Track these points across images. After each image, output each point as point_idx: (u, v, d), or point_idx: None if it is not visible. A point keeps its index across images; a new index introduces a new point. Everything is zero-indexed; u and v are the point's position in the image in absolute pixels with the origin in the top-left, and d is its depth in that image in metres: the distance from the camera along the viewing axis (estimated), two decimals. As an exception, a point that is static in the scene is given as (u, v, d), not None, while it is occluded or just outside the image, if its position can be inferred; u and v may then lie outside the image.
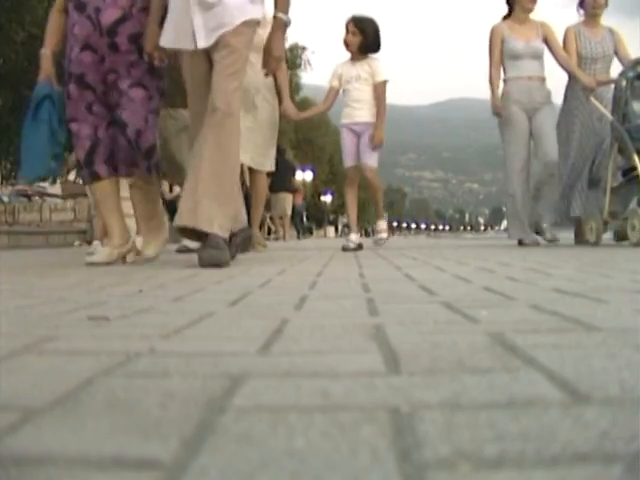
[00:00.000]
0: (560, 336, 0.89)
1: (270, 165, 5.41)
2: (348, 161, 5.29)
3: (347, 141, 5.28)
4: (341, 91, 5.36)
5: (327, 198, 42.01)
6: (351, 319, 1.10)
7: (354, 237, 5.28)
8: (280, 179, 13.34)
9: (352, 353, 0.80)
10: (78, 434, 0.49)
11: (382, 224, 5.71)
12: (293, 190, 14.24)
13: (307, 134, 36.33)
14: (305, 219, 17.51)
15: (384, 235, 5.67)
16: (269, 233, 16.05)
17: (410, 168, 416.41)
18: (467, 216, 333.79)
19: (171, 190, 12.26)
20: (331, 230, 40.24)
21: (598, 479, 0.39)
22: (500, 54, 5.48)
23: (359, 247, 5.11)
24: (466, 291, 1.57)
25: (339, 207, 47.05)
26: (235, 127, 2.88)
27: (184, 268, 2.82)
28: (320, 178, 39.91)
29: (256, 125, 5.09)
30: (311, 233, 30.34)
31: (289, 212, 14.16)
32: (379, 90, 5.20)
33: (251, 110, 5.03)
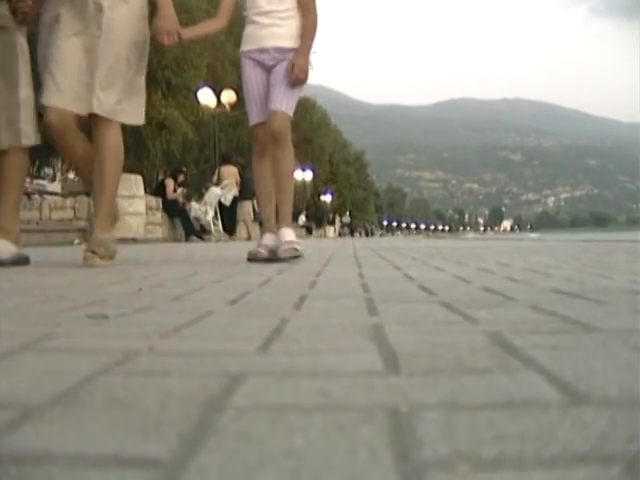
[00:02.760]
0: (559, 337, 0.89)
1: (137, 115, 3.10)
2: (254, 114, 3.29)
3: (251, 81, 3.29)
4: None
5: (327, 198, 42.09)
6: (350, 319, 1.10)
7: (268, 240, 3.19)
8: (246, 188, 14.18)
9: (351, 353, 0.80)
10: (77, 432, 0.49)
11: (288, 233, 3.11)
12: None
13: (307, 134, 36.37)
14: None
15: (299, 247, 3.11)
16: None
17: (410, 168, 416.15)
18: (467, 216, 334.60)
19: (175, 190, 12.28)
20: (330, 230, 40.29)
21: (597, 480, 0.39)
22: None
23: (274, 255, 3.09)
24: (465, 291, 1.57)
25: (339, 207, 47.13)
26: None
27: (184, 267, 2.82)
28: (320, 178, 39.97)
29: (103, 43, 2.92)
30: (310, 233, 30.34)
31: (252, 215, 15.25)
32: None
33: (89, 16, 2.91)
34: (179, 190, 12.44)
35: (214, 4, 4.01)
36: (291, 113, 3.20)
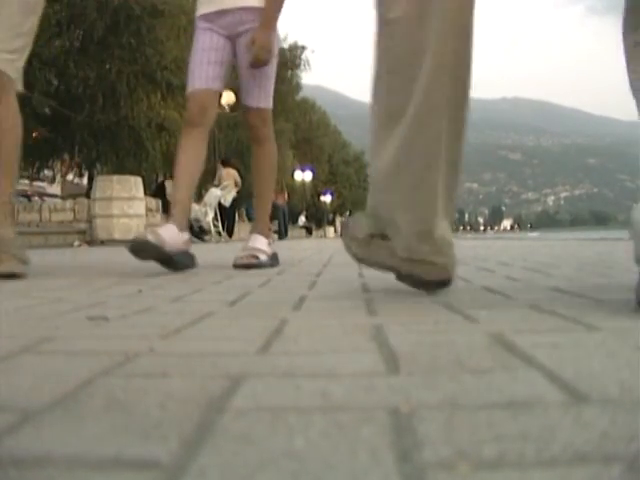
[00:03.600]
0: (560, 336, 0.89)
1: (16, 70, 2.35)
2: (196, 78, 2.64)
3: (204, 44, 2.63)
4: None
5: (327, 198, 42.14)
6: (350, 319, 1.10)
7: (265, 243, 2.81)
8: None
9: (351, 353, 0.80)
10: (78, 435, 0.49)
11: (257, 240, 2.78)
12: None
13: (306, 134, 36.39)
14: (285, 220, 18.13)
15: (262, 256, 2.72)
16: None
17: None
18: (467, 216, 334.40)
19: None
20: (330, 230, 40.30)
21: (598, 479, 0.39)
22: None
23: (270, 260, 2.76)
24: (465, 291, 1.56)
25: (339, 207, 47.13)
26: None
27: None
28: (319, 178, 39.99)
29: None
30: (310, 233, 30.33)
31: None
32: None
33: None
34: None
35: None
36: (270, 104, 2.79)
